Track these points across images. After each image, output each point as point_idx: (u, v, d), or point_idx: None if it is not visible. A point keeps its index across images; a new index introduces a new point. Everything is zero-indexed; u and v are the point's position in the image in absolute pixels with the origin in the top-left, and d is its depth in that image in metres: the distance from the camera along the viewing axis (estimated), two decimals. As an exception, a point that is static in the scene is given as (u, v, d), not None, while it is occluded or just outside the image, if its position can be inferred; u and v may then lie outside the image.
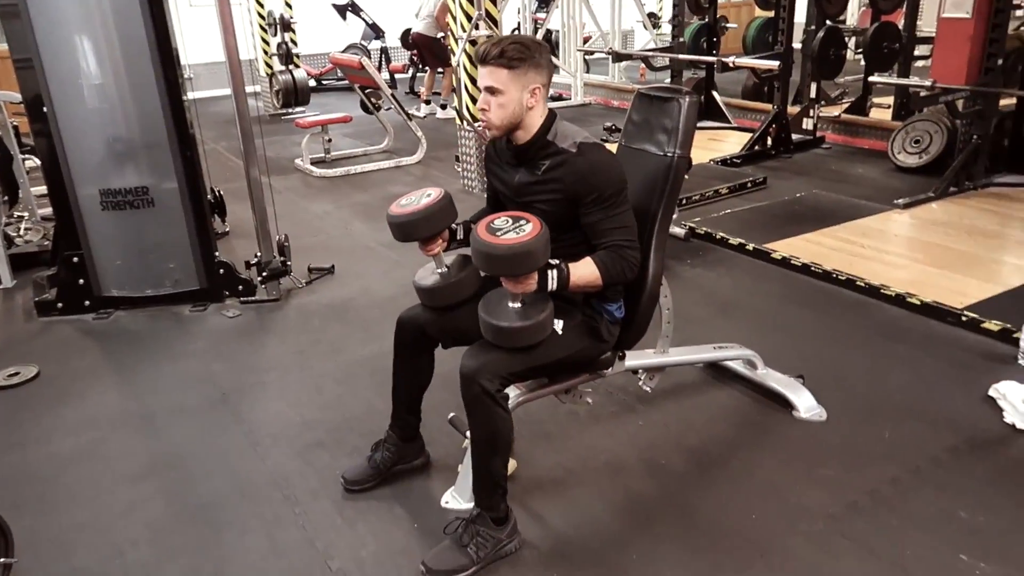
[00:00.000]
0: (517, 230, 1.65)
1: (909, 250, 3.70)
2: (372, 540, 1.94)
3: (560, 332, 1.80)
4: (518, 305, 1.73)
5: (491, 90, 1.78)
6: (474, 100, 4.81)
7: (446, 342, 2.03)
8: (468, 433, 1.84)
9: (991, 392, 2.44)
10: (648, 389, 2.32)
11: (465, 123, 4.85)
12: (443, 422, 2.25)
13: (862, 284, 3.24)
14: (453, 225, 1.96)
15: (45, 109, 3.10)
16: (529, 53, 1.76)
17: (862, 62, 6.16)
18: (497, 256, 1.64)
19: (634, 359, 2.19)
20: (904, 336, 2.88)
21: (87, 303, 3.35)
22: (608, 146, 1.90)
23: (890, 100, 6.04)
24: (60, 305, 3.35)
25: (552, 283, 1.72)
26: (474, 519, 1.83)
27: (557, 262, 1.73)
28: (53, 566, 1.91)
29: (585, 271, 1.77)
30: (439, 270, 1.96)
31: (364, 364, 2.84)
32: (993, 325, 2.82)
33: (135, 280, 3.36)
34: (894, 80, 5.63)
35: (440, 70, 7.76)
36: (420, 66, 8.34)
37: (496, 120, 1.80)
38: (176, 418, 2.55)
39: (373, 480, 2.13)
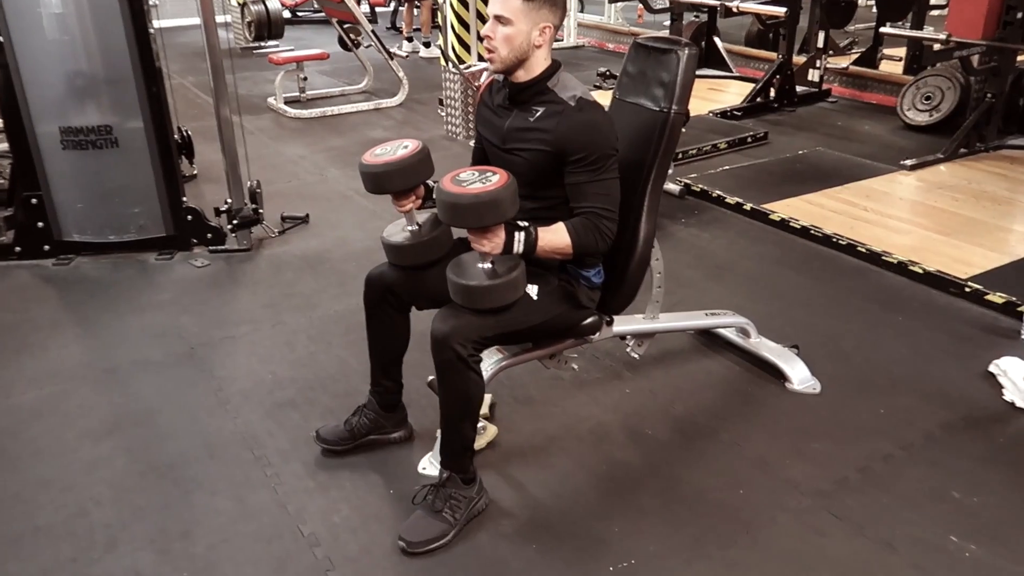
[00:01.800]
0: (483, 180, 1.64)
1: (913, 215, 3.69)
2: (345, 505, 1.95)
3: (535, 298, 1.80)
4: (488, 266, 1.72)
5: (500, 19, 1.75)
6: (460, 40, 4.68)
7: (419, 303, 2.01)
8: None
9: (991, 368, 2.46)
10: (636, 356, 2.33)
11: (451, 65, 4.73)
12: (421, 384, 2.25)
13: (863, 250, 3.24)
14: (430, 182, 1.91)
15: (1, 39, 3.00)
16: None
17: (874, 9, 6.04)
18: (462, 206, 1.62)
19: (622, 324, 2.18)
20: (904, 306, 2.89)
21: (46, 248, 3.29)
22: (602, 93, 1.84)
23: (902, 52, 5.95)
24: (18, 249, 3.29)
25: (518, 245, 1.70)
26: (444, 483, 1.85)
27: (526, 225, 1.71)
28: (15, 524, 1.90)
29: (554, 237, 1.75)
30: (409, 227, 1.93)
31: (338, 320, 2.82)
32: (997, 297, 2.83)
33: (98, 225, 3.29)
34: (906, 32, 5.53)
35: (417, 3, 7.53)
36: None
37: (502, 51, 1.76)
38: (142, 372, 2.53)
39: (345, 444, 2.12)
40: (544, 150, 1.77)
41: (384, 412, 2.13)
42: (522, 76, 1.80)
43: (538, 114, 1.79)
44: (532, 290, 1.79)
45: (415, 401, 2.25)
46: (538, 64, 1.79)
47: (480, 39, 1.81)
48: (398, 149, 1.85)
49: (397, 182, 1.84)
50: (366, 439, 2.13)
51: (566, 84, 1.80)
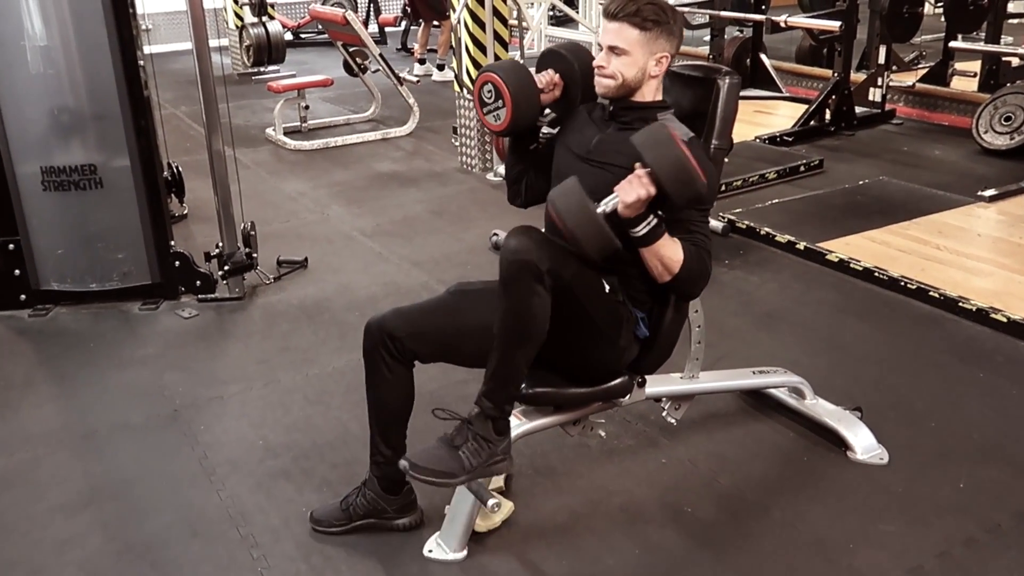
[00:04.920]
0: None
1: (995, 253, 3.64)
2: (342, 594, 1.93)
3: (607, 289, 1.85)
4: (603, 209, 1.74)
5: (615, 50, 1.87)
6: (476, 64, 4.78)
7: (423, 353, 2.00)
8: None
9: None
10: (673, 421, 2.31)
11: (465, 91, 4.82)
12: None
13: (936, 295, 3.20)
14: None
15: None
16: (665, 17, 1.86)
17: (943, 18, 6.05)
18: (675, 156, 1.67)
19: (656, 385, 2.17)
20: (986, 360, 2.84)
21: (23, 297, 3.37)
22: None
23: (976, 67, 5.93)
24: (-8, 300, 3.36)
25: (644, 228, 1.74)
26: (472, 420, 1.83)
27: (661, 214, 1.76)
28: (-27, 613, 1.92)
29: (672, 246, 1.78)
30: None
31: (338, 378, 2.83)
32: (1093, 349, 2.78)
33: (79, 272, 3.37)
34: (981, 46, 5.53)
35: (436, 23, 7.73)
36: (414, 19, 8.31)
37: (616, 81, 1.89)
38: (121, 437, 2.56)
39: (340, 524, 2.11)
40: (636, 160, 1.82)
41: (385, 494, 2.08)
42: (632, 98, 1.93)
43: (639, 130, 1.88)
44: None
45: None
46: (650, 92, 1.92)
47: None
48: None
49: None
50: (363, 521, 2.10)
51: (676, 124, 1.91)
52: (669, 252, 1.77)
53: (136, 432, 2.58)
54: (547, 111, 2.09)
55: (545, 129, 2.17)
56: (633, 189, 1.70)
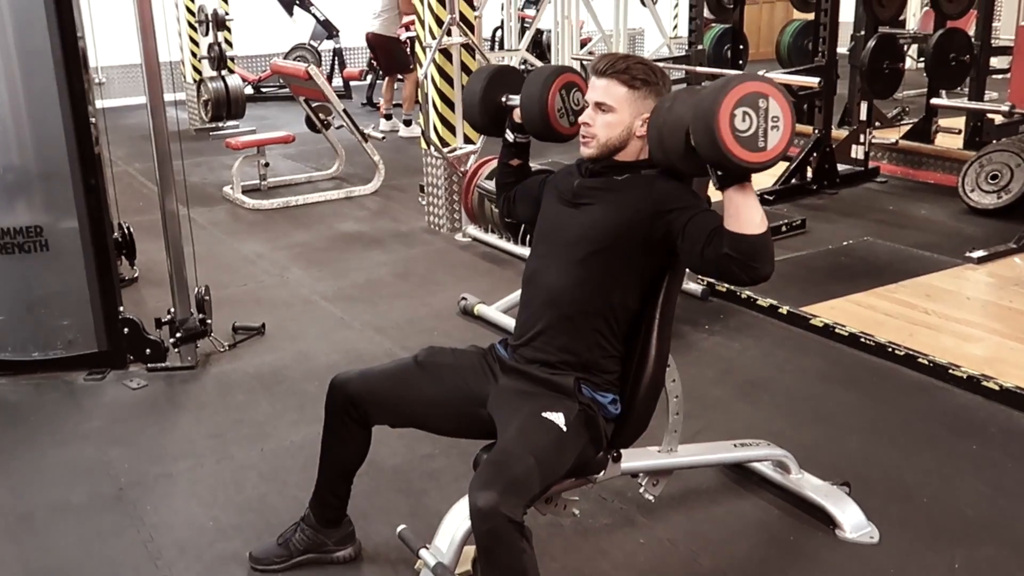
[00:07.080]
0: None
1: (985, 318, 3.72)
2: None
3: (564, 428, 1.86)
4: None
5: (601, 106, 1.96)
6: (444, 121, 4.89)
7: (392, 420, 2.12)
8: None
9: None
10: (651, 498, 2.32)
11: (432, 148, 4.90)
12: (390, 534, 2.23)
13: (925, 362, 3.24)
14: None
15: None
16: (655, 78, 1.97)
17: (925, 74, 6.26)
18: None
19: (632, 460, 2.19)
20: (979, 431, 2.88)
21: (-41, 368, 3.34)
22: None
23: (961, 123, 6.11)
24: (-73, 371, 3.34)
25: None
26: None
27: None
28: None
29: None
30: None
31: (295, 453, 2.83)
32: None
33: (20, 340, 3.36)
34: (962, 104, 5.71)
35: (400, 77, 7.90)
36: (380, 72, 8.50)
37: (601, 138, 1.97)
38: (61, 519, 2.53)
39: (280, 561, 2.22)
40: (632, 205, 1.92)
41: (324, 528, 2.21)
42: (616, 157, 2.01)
43: (625, 178, 1.99)
44: (559, 419, 1.86)
45: (383, 554, 2.26)
46: (633, 153, 2.00)
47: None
48: None
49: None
50: (303, 557, 2.22)
51: (664, 179, 1.97)
52: (759, 207, 1.80)
53: (77, 513, 2.55)
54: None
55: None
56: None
